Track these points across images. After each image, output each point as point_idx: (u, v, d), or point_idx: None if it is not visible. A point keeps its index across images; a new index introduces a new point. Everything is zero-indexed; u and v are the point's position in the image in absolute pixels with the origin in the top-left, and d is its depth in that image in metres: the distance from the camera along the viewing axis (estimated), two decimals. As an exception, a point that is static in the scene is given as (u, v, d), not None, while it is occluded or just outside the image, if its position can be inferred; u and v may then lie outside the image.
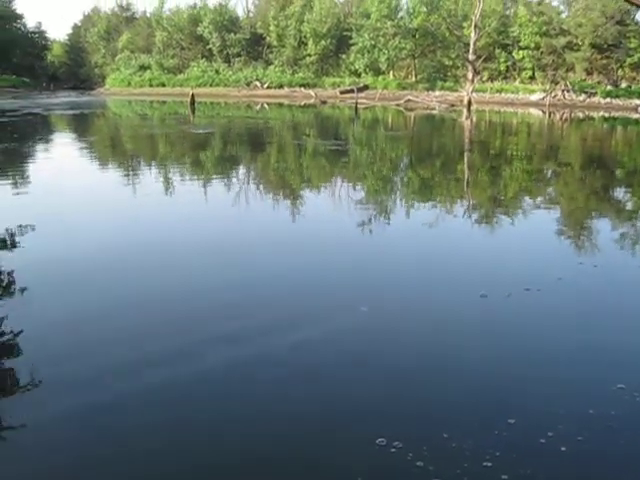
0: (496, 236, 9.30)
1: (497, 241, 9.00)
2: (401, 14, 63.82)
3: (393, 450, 3.66)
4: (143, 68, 77.68)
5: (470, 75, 53.38)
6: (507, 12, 61.89)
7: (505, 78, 60.65)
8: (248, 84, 66.45)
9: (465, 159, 19.55)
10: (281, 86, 65.16)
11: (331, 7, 68.36)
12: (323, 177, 15.77)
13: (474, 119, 37.93)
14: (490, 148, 22.64)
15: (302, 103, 53.10)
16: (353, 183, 14.49)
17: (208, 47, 75.06)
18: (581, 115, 42.03)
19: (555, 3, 60.72)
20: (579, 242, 8.92)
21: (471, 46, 54.10)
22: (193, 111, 41.30)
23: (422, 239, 9.07)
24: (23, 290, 6.28)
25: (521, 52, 57.76)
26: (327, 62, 69.30)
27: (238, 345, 5.12)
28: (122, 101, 59.29)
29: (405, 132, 30.53)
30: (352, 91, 53.35)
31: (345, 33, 65.75)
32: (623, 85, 54.05)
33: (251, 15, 77.83)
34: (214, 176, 15.46)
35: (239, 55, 73.56)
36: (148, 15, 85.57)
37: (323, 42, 66.23)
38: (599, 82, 54.45)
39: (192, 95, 44.06)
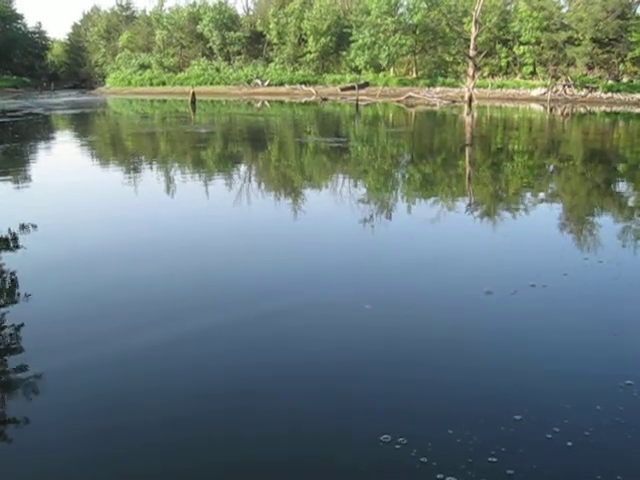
0: (500, 232, 9.26)
1: (501, 237, 8.96)
2: (401, 10, 63.72)
3: (398, 446, 3.65)
4: (143, 67, 77.67)
5: (471, 71, 53.34)
6: (507, 7, 61.77)
7: (506, 73, 60.58)
8: (249, 82, 66.41)
9: (467, 155, 19.51)
10: (282, 84, 65.11)
11: (331, 4, 68.30)
12: (326, 174, 15.74)
13: (475, 115, 37.86)
14: (492, 144, 22.60)
15: (303, 100, 53.07)
16: (356, 180, 14.47)
17: (208, 45, 75.04)
18: (582, 110, 41.93)
19: (555, -2, 60.66)
20: (584, 238, 8.88)
21: (472, 42, 54.04)
22: (194, 109, 41.30)
23: (425, 236, 9.04)
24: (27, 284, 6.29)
25: (522, 47, 57.63)
26: (327, 59, 69.31)
27: (240, 346, 5.14)
28: (123, 100, 59.31)
29: (406, 128, 30.48)
30: (353, 88, 53.34)
31: (345, 30, 65.67)
32: (624, 79, 53.95)
33: (251, 13, 77.78)
34: (218, 174, 15.43)
35: (239, 53, 73.54)
36: (148, 14, 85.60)
37: (323, 39, 66.16)
38: (600, 77, 54.35)
39: (193, 93, 44.09)
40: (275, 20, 68.72)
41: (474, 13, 53.39)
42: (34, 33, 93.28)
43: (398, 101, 49.74)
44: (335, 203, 11.47)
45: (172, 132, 26.80)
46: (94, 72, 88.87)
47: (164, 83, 73.20)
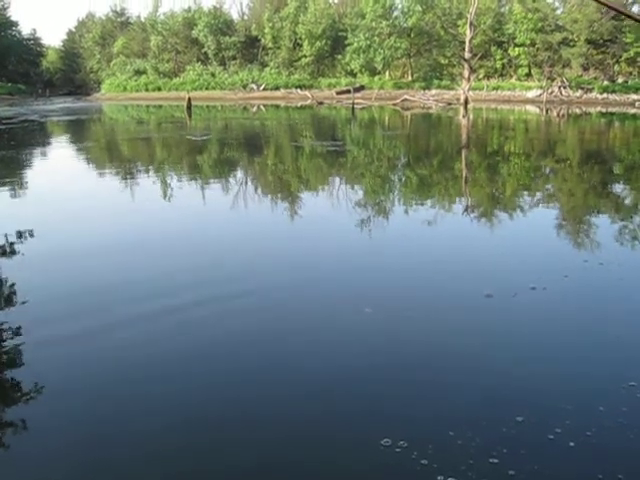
0: (499, 235, 9.22)
1: (501, 239, 8.92)
2: (396, 13, 63.92)
3: (398, 449, 3.63)
4: (139, 73, 77.68)
5: (466, 73, 53.41)
6: (502, 9, 61.95)
7: (501, 75, 60.75)
8: (244, 86, 66.45)
9: (464, 157, 19.53)
10: (277, 88, 65.22)
11: (325, 8, 68.42)
12: (323, 178, 15.72)
13: (471, 117, 37.90)
14: (488, 146, 22.61)
15: (299, 104, 53.11)
16: (353, 184, 14.45)
17: (203, 50, 75.10)
18: (578, 111, 41.99)
19: (550, -1, 60.83)
20: (583, 239, 8.84)
21: (466, 44, 54.11)
22: (190, 115, 41.29)
23: (424, 239, 9.01)
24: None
25: (517, 49, 57.81)
26: (323, 63, 69.41)
27: (244, 346, 5.12)
28: (118, 106, 59.29)
29: (402, 131, 30.49)
30: (348, 91, 53.43)
31: (340, 33, 65.85)
32: (620, 80, 54.04)
33: (246, 18, 77.86)
34: (216, 179, 15.41)
35: (234, 58, 73.62)
36: (143, 20, 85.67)
37: (318, 43, 66.26)
38: (595, 78, 54.45)
39: (189, 99, 44.13)
40: (270, 24, 68.81)
41: (469, 15, 53.47)
42: (29, 40, 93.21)
43: (394, 104, 49.79)
44: (333, 207, 11.44)
45: (168, 137, 26.80)
46: (89, 78, 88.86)
47: (159, 89, 73.21)
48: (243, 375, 4.67)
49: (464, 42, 55.08)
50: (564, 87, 51.46)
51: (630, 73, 55.56)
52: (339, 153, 20.25)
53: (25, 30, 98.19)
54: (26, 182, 14.71)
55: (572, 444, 3.65)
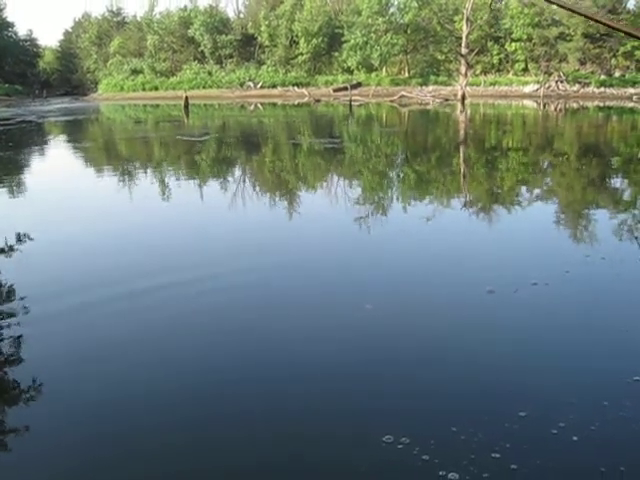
0: (500, 230, 9.22)
1: (501, 235, 8.91)
2: (392, 10, 63.72)
3: (400, 445, 3.62)
4: (135, 72, 77.42)
5: (463, 69, 53.26)
6: (498, 4, 61.83)
7: (498, 71, 60.63)
8: (241, 85, 66.33)
9: (463, 153, 19.51)
10: (274, 86, 65.03)
11: (322, 5, 68.24)
12: (322, 176, 15.71)
13: (468, 113, 37.89)
14: (487, 141, 22.60)
15: (296, 102, 53.04)
16: (352, 181, 14.45)
17: (200, 49, 74.88)
18: (575, 105, 41.99)
19: (546, -6, 60.61)
20: (585, 234, 8.82)
21: (463, 40, 53.94)
22: (187, 114, 41.24)
23: (425, 235, 8.99)
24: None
25: (513, 44, 57.71)
26: (319, 60, 69.19)
27: (243, 343, 5.12)
28: (115, 106, 59.19)
29: (400, 128, 30.48)
30: (345, 89, 53.32)
31: (337, 31, 65.66)
32: (617, 74, 53.98)
33: (242, 16, 77.61)
34: (215, 177, 15.42)
35: (231, 56, 73.42)
36: (139, 19, 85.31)
37: (315, 40, 66.09)
38: (593, 72, 54.37)
39: (186, 98, 44.07)
40: (266, 22, 68.60)
41: (465, 11, 53.26)
42: (25, 41, 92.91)
43: (391, 101, 49.72)
44: (332, 204, 11.44)
45: (166, 136, 26.75)
46: (86, 78, 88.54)
47: (156, 88, 72.97)
48: (242, 371, 4.67)
49: (461, 38, 54.89)
50: (561, 81, 51.42)
51: (627, 67, 55.45)
52: (337, 150, 20.23)
53: (21, 31, 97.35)
54: (24, 182, 14.70)
55: (575, 438, 3.65)
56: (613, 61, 55.89)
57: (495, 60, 60.53)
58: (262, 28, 69.08)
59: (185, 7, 78.57)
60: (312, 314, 5.82)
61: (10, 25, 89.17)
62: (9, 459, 3.72)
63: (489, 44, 59.89)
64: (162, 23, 78.19)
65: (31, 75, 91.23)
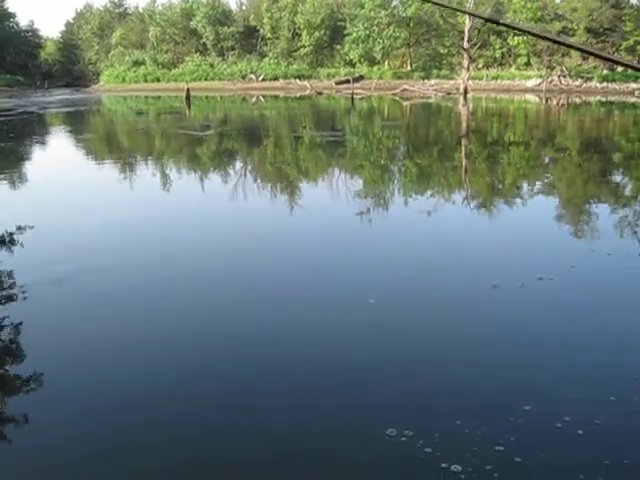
0: (504, 224, 9.18)
1: (505, 230, 8.87)
2: (395, 3, 63.63)
3: (403, 438, 3.60)
4: (137, 64, 77.31)
5: (465, 63, 53.24)
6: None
7: (501, 65, 60.54)
8: (243, 77, 66.22)
9: (466, 147, 19.47)
10: (276, 78, 64.94)
11: (324, -2, 68.13)
12: (324, 169, 15.68)
13: (471, 106, 37.80)
14: (489, 135, 22.56)
15: (298, 95, 52.94)
16: (355, 174, 14.40)
17: (202, 41, 74.77)
18: (578, 100, 41.89)
19: (549, -12, 60.56)
20: (590, 229, 8.78)
21: (466, 34, 53.91)
22: (189, 106, 41.17)
23: (429, 229, 8.97)
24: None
25: (516, 38, 57.51)
26: (322, 53, 69.08)
27: (249, 345, 5.11)
28: (117, 97, 59.12)
29: (402, 121, 30.41)
30: (348, 82, 53.20)
31: (339, 23, 65.56)
32: (619, 69, 53.83)
33: (244, 8, 77.44)
34: (217, 169, 15.41)
35: (233, 48, 73.33)
36: (141, 10, 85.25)
37: (317, 33, 65.97)
38: (595, 67, 54.23)
39: (187, 90, 43.97)
40: (269, 15, 68.47)
41: (468, 5, 53.22)
42: (27, 32, 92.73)
43: (393, 94, 49.62)
44: (334, 197, 11.40)
45: (168, 128, 26.70)
46: (88, 70, 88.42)
47: (158, 80, 72.86)
48: (247, 366, 4.64)
49: (463, 32, 54.86)
50: (564, 76, 51.33)
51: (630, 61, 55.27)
52: (339, 143, 20.19)
53: (23, 22, 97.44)
54: (25, 173, 14.70)
55: (580, 432, 3.63)
56: (616, 56, 55.67)
57: (497, 54, 60.44)
58: (264, 20, 68.95)
59: (187, -1, 78.45)
60: (315, 308, 5.80)
61: (11, 16, 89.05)
62: (8, 450, 3.70)
63: (491, 38, 59.73)
64: (164, 15, 78.11)
65: (32, 66, 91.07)
